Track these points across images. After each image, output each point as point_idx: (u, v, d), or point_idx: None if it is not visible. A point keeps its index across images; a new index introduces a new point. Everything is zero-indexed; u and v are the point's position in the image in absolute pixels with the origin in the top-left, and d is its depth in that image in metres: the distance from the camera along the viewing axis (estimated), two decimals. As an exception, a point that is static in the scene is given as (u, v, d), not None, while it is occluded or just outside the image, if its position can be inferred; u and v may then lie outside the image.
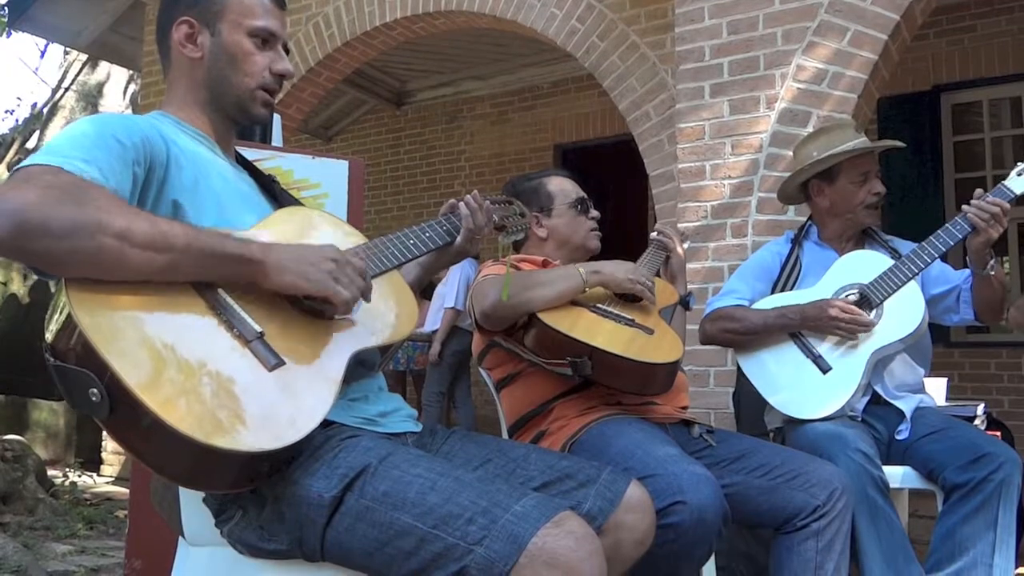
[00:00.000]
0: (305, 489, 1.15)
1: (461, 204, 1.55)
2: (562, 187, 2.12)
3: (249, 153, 1.61)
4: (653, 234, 2.17)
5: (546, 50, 5.49)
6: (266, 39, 1.37)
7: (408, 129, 7.58)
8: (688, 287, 2.19)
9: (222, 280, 1.14)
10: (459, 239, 1.53)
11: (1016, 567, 1.89)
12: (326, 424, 1.18)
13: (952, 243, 2.03)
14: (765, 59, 3.18)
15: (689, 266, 2.88)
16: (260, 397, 1.07)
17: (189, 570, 1.36)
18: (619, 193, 6.27)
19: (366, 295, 1.22)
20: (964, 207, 2.03)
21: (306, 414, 1.10)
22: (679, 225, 3.27)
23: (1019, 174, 2.03)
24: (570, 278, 1.79)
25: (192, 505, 1.30)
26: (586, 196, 2.13)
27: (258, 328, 1.12)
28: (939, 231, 2.05)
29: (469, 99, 7.23)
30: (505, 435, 1.96)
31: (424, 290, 4.32)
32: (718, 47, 3.28)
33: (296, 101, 5.18)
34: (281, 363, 1.11)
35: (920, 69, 5.26)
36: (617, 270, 1.83)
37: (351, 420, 1.26)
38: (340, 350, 1.20)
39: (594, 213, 2.12)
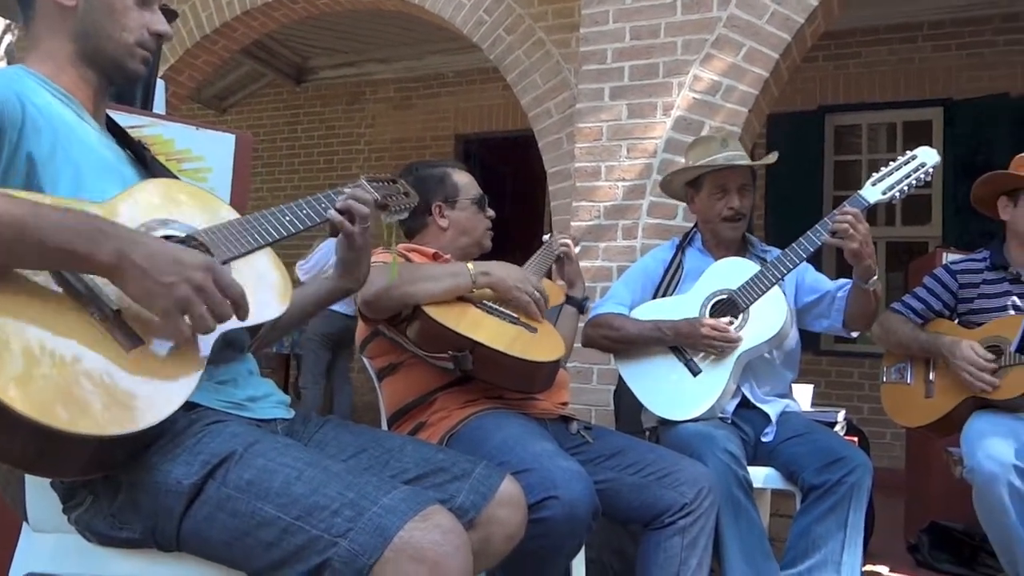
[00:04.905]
0: (163, 475, 1.10)
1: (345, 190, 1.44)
2: (464, 181, 2.10)
3: (128, 119, 1.52)
4: (546, 236, 2.18)
5: (453, 39, 5.45)
6: None
7: (307, 107, 7.38)
8: (585, 291, 2.22)
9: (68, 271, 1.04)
10: (338, 205, 1.36)
11: (863, 565, 2.01)
12: (190, 407, 1.13)
13: (812, 249, 2.13)
14: (664, 67, 3.26)
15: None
16: (115, 378, 1.01)
17: (32, 558, 1.27)
18: (517, 187, 6.30)
19: (240, 313, 1.09)
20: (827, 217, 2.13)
21: (164, 397, 1.04)
22: (572, 224, 3.32)
23: (873, 184, 2.15)
24: (459, 276, 1.78)
25: (38, 488, 1.22)
26: (484, 194, 2.13)
27: (114, 305, 1.05)
28: (800, 239, 2.15)
29: (372, 81, 7.10)
30: (384, 425, 1.93)
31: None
32: (620, 51, 3.34)
33: (188, 68, 4.96)
34: (140, 343, 1.04)
35: (808, 90, 5.53)
36: (508, 276, 1.83)
37: (217, 404, 1.21)
38: (207, 330, 1.14)
39: (490, 213, 2.12)
